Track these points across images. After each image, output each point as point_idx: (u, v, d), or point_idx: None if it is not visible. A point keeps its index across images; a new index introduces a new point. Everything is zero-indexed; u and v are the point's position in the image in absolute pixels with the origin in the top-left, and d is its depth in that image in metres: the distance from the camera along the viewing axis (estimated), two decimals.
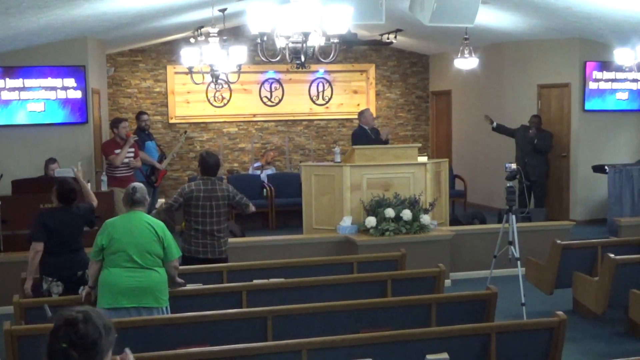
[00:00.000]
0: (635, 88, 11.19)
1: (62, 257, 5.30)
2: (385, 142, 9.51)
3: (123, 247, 4.70)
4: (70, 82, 9.57)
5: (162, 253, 4.79)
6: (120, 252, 4.70)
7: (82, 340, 2.04)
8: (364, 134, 9.39)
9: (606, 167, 10.19)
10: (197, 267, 5.86)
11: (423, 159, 8.60)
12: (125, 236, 4.72)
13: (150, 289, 4.71)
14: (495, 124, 10.97)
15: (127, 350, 2.33)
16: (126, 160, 8.93)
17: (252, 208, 6.38)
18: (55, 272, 5.27)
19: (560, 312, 4.24)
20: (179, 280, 5.05)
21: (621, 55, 9.06)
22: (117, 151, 8.88)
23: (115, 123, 9.26)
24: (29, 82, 9.45)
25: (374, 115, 10.20)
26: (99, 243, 4.74)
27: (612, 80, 11.06)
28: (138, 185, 4.99)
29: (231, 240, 8.06)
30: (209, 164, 6.14)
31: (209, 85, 11.77)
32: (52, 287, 5.24)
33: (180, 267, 5.70)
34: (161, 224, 4.89)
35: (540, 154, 10.78)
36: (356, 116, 13.74)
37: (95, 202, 5.81)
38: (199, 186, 6.05)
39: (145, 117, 10.53)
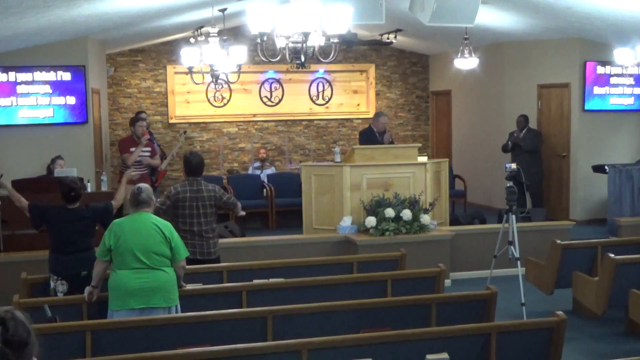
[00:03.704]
0: (635, 88, 11.18)
1: (67, 256, 5.30)
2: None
3: (130, 248, 4.73)
4: (70, 82, 9.57)
5: (169, 253, 4.82)
6: (127, 253, 4.73)
7: (15, 337, 2.04)
8: (370, 133, 9.47)
9: (606, 167, 10.19)
10: (197, 267, 5.86)
11: (423, 159, 8.60)
12: (131, 237, 4.75)
13: (159, 289, 4.75)
14: (509, 145, 10.92)
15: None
16: (139, 158, 8.86)
17: (242, 212, 6.31)
18: (60, 270, 5.28)
19: (560, 312, 4.24)
20: (182, 283, 5.07)
21: (621, 55, 9.06)
22: (133, 149, 8.83)
23: (132, 121, 9.18)
24: (29, 82, 9.46)
25: (387, 120, 10.03)
26: (106, 243, 4.78)
27: (612, 81, 11.06)
28: (143, 185, 5.01)
29: (231, 240, 8.10)
30: (192, 164, 6.11)
31: (209, 85, 11.78)
32: (58, 286, 5.26)
33: (189, 267, 5.72)
34: (168, 224, 4.93)
35: (531, 155, 10.75)
36: (356, 116, 13.85)
37: (116, 202, 5.68)
38: (184, 187, 6.03)
39: (143, 115, 10.53)
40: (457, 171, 12.30)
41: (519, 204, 9.25)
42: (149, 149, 9.02)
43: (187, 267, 5.76)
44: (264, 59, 5.08)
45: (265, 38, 4.94)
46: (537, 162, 10.86)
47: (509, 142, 10.92)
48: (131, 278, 4.71)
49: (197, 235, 5.99)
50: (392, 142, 9.67)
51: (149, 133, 10.46)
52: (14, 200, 5.62)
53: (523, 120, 10.92)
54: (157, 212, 6.13)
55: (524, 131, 10.87)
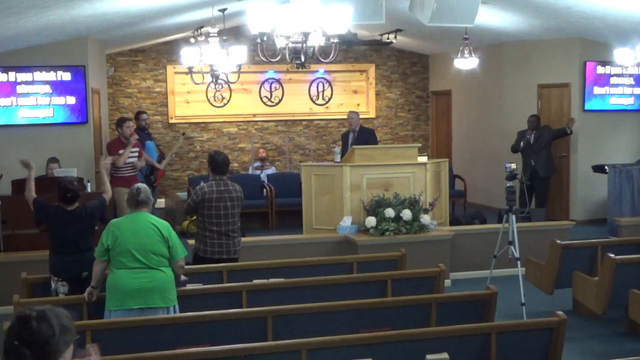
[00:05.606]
0: (635, 88, 11.18)
1: (68, 257, 5.30)
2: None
3: (127, 248, 4.74)
4: (70, 82, 9.57)
5: (167, 253, 4.83)
6: (125, 252, 4.74)
7: (33, 337, 2.04)
8: (345, 135, 10.13)
9: (606, 167, 10.19)
10: (198, 267, 5.87)
11: (423, 159, 8.60)
12: (129, 237, 4.76)
13: (157, 289, 4.75)
14: (521, 146, 10.85)
15: (88, 347, 2.32)
16: (129, 160, 8.80)
17: None
18: (60, 272, 5.28)
19: (560, 312, 4.24)
20: (183, 277, 5.07)
21: (621, 55, 9.06)
22: (121, 151, 8.77)
23: (119, 123, 9.16)
24: (29, 82, 9.46)
25: (360, 116, 10.30)
26: (104, 243, 4.79)
27: (612, 81, 11.05)
28: (142, 186, 5.01)
29: None
30: (217, 162, 6.15)
31: (209, 85, 11.76)
32: (59, 287, 5.25)
33: (191, 267, 5.73)
34: (166, 224, 4.94)
35: (545, 149, 10.69)
36: None
37: (107, 194, 5.69)
38: (211, 187, 6.04)
39: (144, 116, 10.49)
40: (457, 171, 12.29)
41: (519, 204, 9.25)
42: (137, 149, 8.93)
43: (195, 266, 5.80)
44: (264, 59, 5.09)
45: (265, 38, 4.94)
46: (550, 155, 10.81)
47: (521, 143, 10.81)
48: (129, 278, 4.71)
49: (223, 235, 6.02)
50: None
51: (147, 134, 10.45)
52: (26, 187, 5.54)
53: (535, 120, 10.81)
54: (187, 213, 6.30)
55: (534, 132, 10.75)
